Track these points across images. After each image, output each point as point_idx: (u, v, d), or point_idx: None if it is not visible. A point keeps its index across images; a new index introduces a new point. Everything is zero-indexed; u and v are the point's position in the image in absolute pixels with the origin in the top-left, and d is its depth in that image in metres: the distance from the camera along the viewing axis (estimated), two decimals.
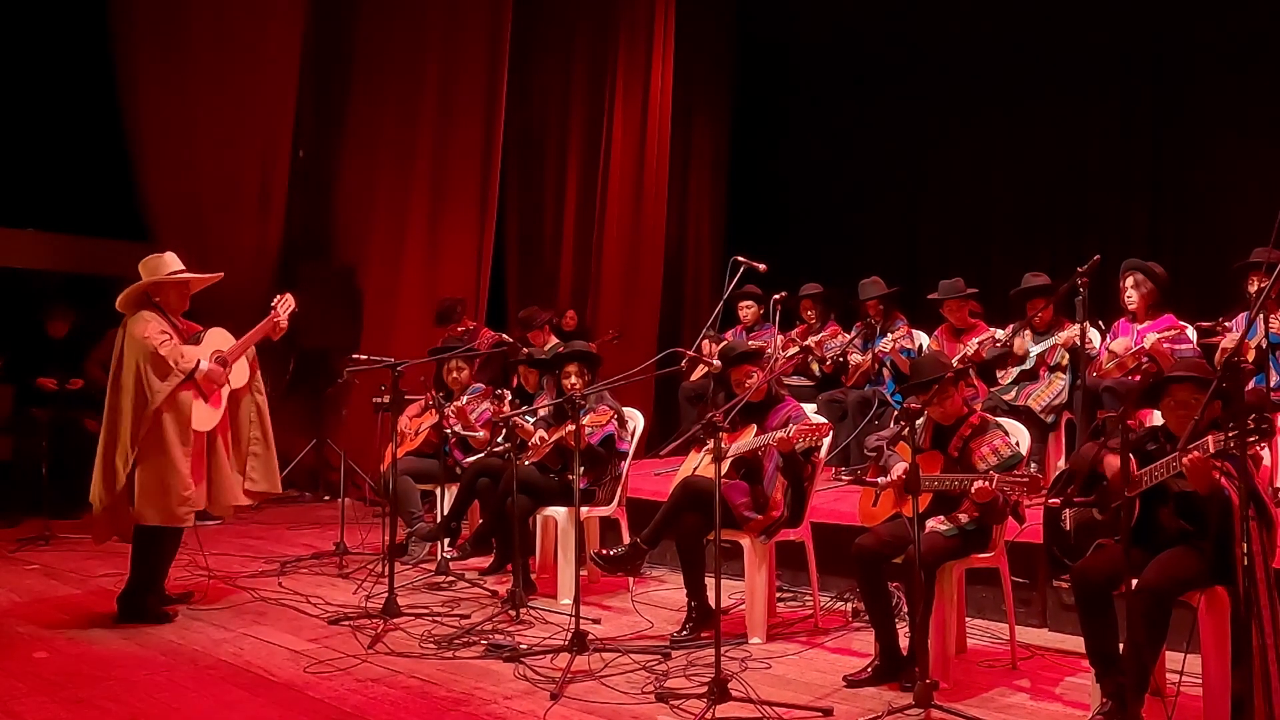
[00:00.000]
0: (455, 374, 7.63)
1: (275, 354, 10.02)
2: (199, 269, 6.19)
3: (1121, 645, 4.08)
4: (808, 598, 6.06)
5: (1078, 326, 6.34)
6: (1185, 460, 3.88)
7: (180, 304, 5.95)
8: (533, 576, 6.66)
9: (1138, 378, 6.41)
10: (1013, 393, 6.98)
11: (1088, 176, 9.53)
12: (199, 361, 5.76)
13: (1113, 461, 4.29)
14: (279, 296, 6.15)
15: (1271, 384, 6.06)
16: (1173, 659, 4.19)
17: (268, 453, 6.16)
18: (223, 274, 6.21)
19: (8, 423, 8.86)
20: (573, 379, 6.50)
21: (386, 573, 5.98)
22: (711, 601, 4.81)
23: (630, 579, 6.51)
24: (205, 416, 5.86)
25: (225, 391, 5.97)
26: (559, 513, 6.42)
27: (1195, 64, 8.88)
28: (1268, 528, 3.89)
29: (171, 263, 5.91)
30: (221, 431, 5.99)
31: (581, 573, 5.90)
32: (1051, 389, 6.93)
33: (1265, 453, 4.53)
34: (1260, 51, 8.47)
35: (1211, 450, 3.84)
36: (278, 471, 6.27)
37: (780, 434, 5.40)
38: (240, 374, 6.05)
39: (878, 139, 10.73)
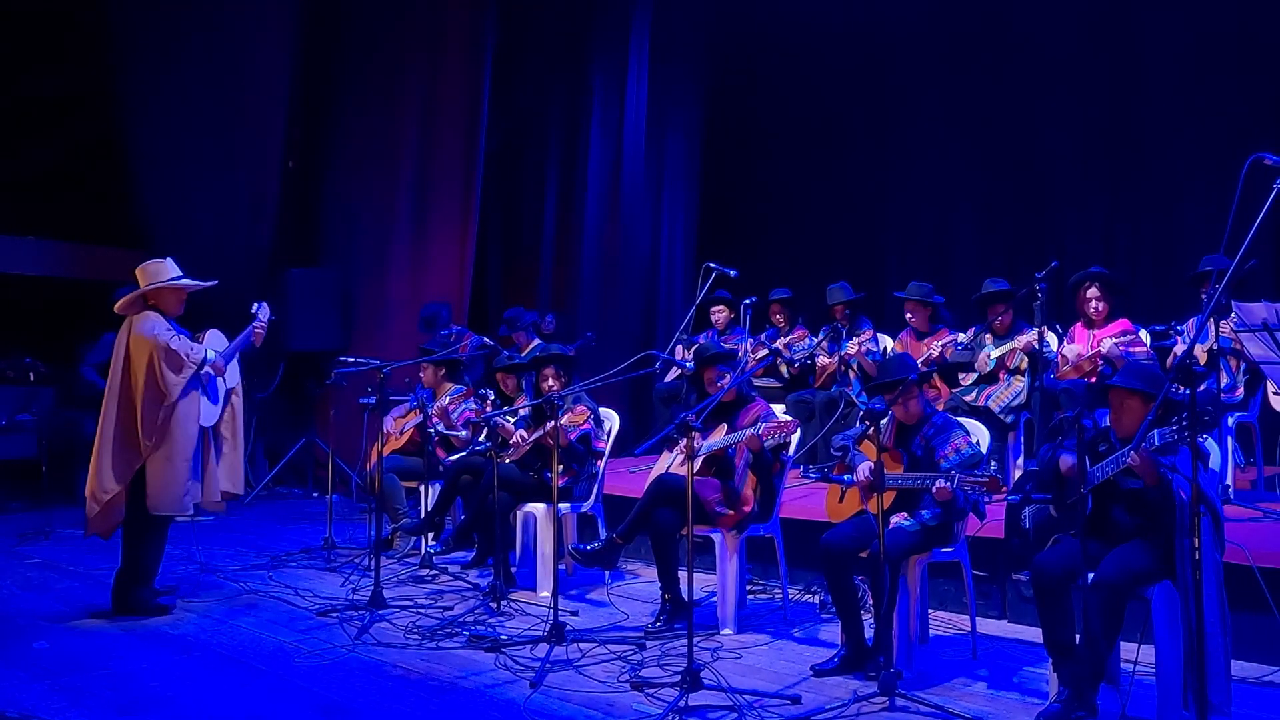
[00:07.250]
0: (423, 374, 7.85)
1: (267, 356, 10.20)
2: (193, 275, 6.31)
3: (1078, 636, 4.18)
4: (777, 590, 6.16)
5: (1036, 331, 6.51)
6: (1133, 456, 4.02)
7: (176, 309, 6.09)
8: (513, 570, 6.80)
9: (1094, 379, 6.51)
10: (973, 394, 7.06)
11: (1045, 184, 9.62)
12: (206, 353, 5.95)
13: (1066, 460, 4.45)
14: (257, 305, 6.31)
15: (1222, 386, 6.20)
16: (1126, 649, 4.32)
17: (234, 454, 6.29)
18: (216, 281, 6.37)
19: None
20: (550, 381, 6.59)
21: (373, 566, 6.12)
22: (685, 594, 4.91)
23: (606, 572, 6.58)
24: (209, 412, 6.05)
25: (222, 388, 6.14)
26: (538, 509, 6.55)
27: (1150, 71, 8.96)
28: (1217, 524, 4.03)
29: (170, 269, 6.06)
30: (216, 430, 6.16)
31: (560, 566, 6.09)
32: (1011, 390, 7.03)
33: (1214, 448, 4.66)
34: (1214, 57, 8.55)
35: (1157, 444, 4.01)
36: (242, 473, 6.42)
37: (750, 432, 5.51)
38: (233, 375, 6.23)
39: (844, 150, 10.81)
